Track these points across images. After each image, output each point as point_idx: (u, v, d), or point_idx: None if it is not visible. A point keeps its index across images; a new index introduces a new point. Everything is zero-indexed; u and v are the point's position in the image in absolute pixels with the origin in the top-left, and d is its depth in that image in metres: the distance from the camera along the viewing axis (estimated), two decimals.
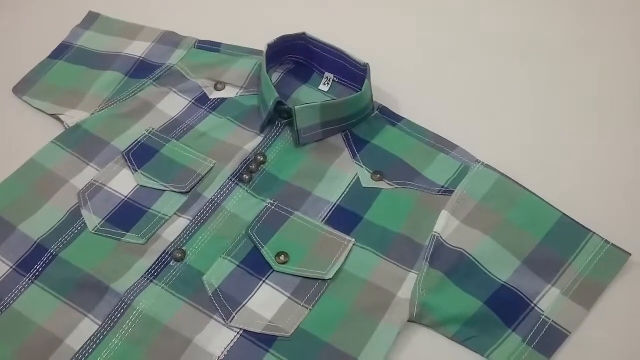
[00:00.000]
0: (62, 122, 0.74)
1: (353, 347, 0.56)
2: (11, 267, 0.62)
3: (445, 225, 0.63)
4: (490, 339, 0.57)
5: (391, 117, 0.73)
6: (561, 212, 0.64)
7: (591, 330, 0.57)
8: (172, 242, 0.63)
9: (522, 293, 0.59)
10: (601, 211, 0.65)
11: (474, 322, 0.57)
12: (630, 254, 0.61)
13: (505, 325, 0.57)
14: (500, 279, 0.60)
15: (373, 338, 0.57)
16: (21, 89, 0.77)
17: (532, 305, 0.58)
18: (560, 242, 0.62)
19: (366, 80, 0.71)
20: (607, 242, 0.62)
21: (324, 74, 0.76)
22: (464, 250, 0.61)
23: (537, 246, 0.62)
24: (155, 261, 0.62)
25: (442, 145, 0.70)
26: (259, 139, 0.71)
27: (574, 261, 0.61)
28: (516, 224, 0.63)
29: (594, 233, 0.62)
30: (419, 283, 0.59)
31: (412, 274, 0.60)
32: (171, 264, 0.62)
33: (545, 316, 0.58)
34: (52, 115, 0.75)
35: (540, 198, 0.65)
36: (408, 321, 0.58)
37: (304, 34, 0.75)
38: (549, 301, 0.59)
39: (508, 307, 0.58)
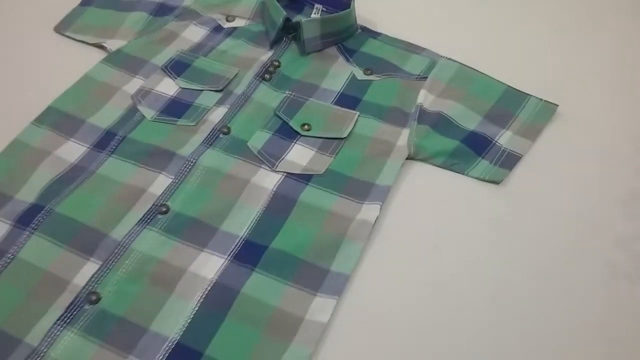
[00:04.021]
0: (104, 48, 0.94)
1: (370, 176, 0.80)
2: (88, 147, 0.81)
3: (425, 98, 0.89)
4: (467, 163, 0.83)
5: (372, 33, 0.99)
6: (507, 84, 0.91)
7: (533, 152, 0.85)
8: (217, 122, 0.85)
9: (486, 135, 0.85)
10: (534, 80, 0.93)
11: (454, 154, 0.83)
12: (557, 105, 0.89)
13: (476, 155, 0.83)
14: (469, 128, 0.86)
15: (384, 170, 0.81)
16: (63, 27, 0.97)
17: (494, 141, 0.85)
18: (508, 103, 0.89)
19: (352, 2, 0.96)
20: (541, 99, 0.90)
21: (313, 5, 1.01)
22: (441, 111, 0.87)
23: (492, 106, 0.89)
24: (207, 135, 0.83)
25: (413, 49, 0.96)
26: (270, 52, 0.94)
27: (519, 114, 0.88)
28: (476, 94, 0.90)
29: (532, 95, 0.90)
30: (411, 134, 0.84)
31: (405, 129, 0.85)
32: (220, 136, 0.83)
33: (504, 147, 0.84)
34: (95, 45, 0.95)
35: (491, 77, 0.92)
36: (407, 158, 0.83)
37: None
38: (505, 138, 0.85)
39: (477, 144, 0.84)
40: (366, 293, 0.71)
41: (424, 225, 0.77)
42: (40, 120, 0.83)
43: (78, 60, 0.92)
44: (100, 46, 0.95)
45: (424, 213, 0.78)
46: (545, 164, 0.84)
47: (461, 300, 0.71)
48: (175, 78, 0.90)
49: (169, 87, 0.89)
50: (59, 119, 0.83)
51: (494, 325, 0.69)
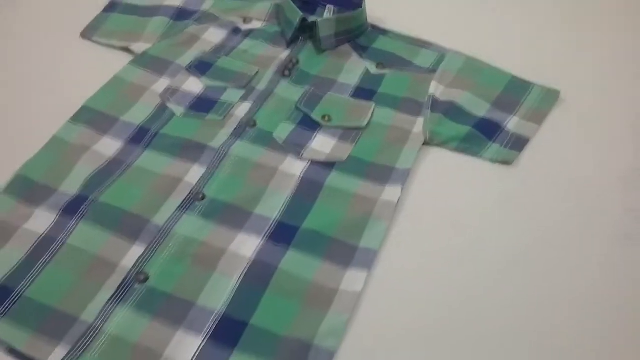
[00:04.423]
0: (131, 51, 1.00)
1: (390, 161, 0.86)
2: (124, 143, 0.87)
3: (436, 89, 0.95)
4: (479, 147, 0.89)
5: (381, 30, 1.05)
6: (512, 74, 0.98)
7: (540, 135, 0.91)
8: (243, 117, 0.91)
9: (495, 121, 0.92)
10: (536, 73, 0.99)
11: (467, 139, 0.89)
12: (559, 91, 0.96)
13: (487, 139, 0.90)
14: (479, 115, 0.92)
15: (402, 155, 0.87)
16: (89, 33, 1.03)
17: (503, 127, 0.91)
18: (514, 91, 0.96)
19: (363, 2, 1.03)
20: (544, 87, 0.97)
21: (325, 6, 1.08)
22: (452, 100, 0.94)
23: (499, 95, 0.95)
24: (235, 128, 0.89)
25: (422, 44, 1.03)
26: (288, 51, 1.01)
27: (525, 101, 0.95)
28: (483, 84, 0.97)
29: (536, 84, 0.97)
30: (426, 121, 0.91)
31: (420, 117, 0.91)
32: (247, 129, 0.89)
33: (513, 131, 0.91)
34: (121, 48, 1.01)
35: (496, 68, 0.99)
36: (423, 144, 0.89)
37: None
38: (513, 124, 0.92)
39: (487, 129, 0.91)
40: (393, 267, 0.77)
41: (442, 204, 0.83)
42: (76, 118, 0.89)
43: (103, 64, 0.99)
44: (126, 49, 1.01)
45: (442, 193, 0.84)
46: (551, 145, 0.90)
47: (479, 271, 0.77)
48: (200, 77, 0.96)
49: (194, 85, 0.95)
50: (93, 117, 0.89)
51: (510, 293, 0.75)
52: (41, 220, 0.77)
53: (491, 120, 0.92)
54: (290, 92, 0.95)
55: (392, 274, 0.76)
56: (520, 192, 0.85)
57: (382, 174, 0.85)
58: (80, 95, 0.92)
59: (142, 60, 0.98)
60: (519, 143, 0.90)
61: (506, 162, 0.88)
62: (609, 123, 0.94)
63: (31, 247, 0.75)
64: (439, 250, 0.79)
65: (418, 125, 0.90)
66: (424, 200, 0.84)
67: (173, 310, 0.70)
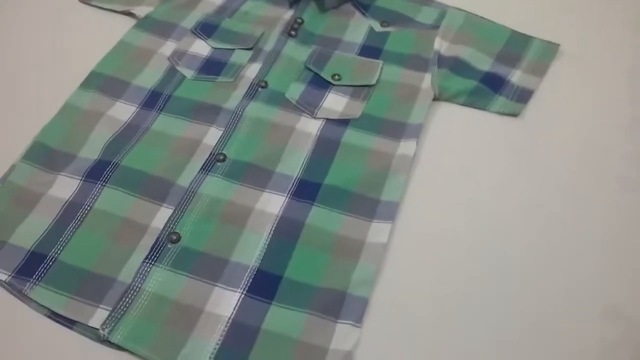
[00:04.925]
0: (133, 15, 1.00)
1: (402, 116, 0.89)
2: (138, 107, 0.88)
3: (440, 45, 0.98)
4: (486, 100, 0.92)
5: None
6: (511, 29, 1.01)
7: (542, 87, 0.96)
8: (254, 78, 0.92)
9: (499, 74, 0.95)
10: (537, 28, 1.03)
11: (474, 93, 0.93)
12: (559, 45, 0.99)
13: (494, 93, 0.93)
14: (483, 69, 0.96)
15: (413, 110, 0.90)
16: None
17: (507, 80, 0.95)
18: (515, 45, 0.99)
19: None
20: (544, 40, 1.00)
21: None
22: (456, 55, 0.96)
23: (501, 49, 0.98)
24: (247, 90, 0.90)
25: (423, 1, 1.05)
26: (291, 11, 1.02)
27: (526, 55, 0.98)
28: (485, 39, 0.99)
29: (536, 37, 1.00)
30: (434, 77, 0.93)
31: (427, 73, 0.94)
32: (259, 90, 0.91)
33: (517, 85, 0.94)
34: (123, 12, 1.00)
35: (496, 23, 1.02)
36: (433, 100, 0.92)
37: None
38: (517, 77, 0.95)
39: (493, 83, 0.94)
40: (415, 217, 0.80)
41: (454, 156, 0.87)
42: (86, 84, 0.89)
43: (104, 28, 0.99)
44: (128, 13, 1.00)
45: (453, 146, 0.88)
46: (554, 96, 0.94)
47: (492, 217, 0.81)
48: (206, 39, 0.96)
49: (202, 48, 0.95)
50: (104, 83, 0.89)
51: (521, 237, 0.80)
52: (65, 186, 0.78)
53: (495, 74, 0.95)
54: (297, 51, 0.96)
55: (413, 225, 0.80)
56: (527, 142, 0.89)
57: (396, 129, 0.88)
58: (82, 60, 0.92)
59: (146, 24, 0.98)
60: (523, 95, 0.93)
61: (513, 114, 0.92)
62: (607, 74, 0.98)
63: (58, 213, 0.76)
64: (455, 201, 0.82)
65: (426, 81, 0.93)
66: (436, 154, 0.87)
67: (208, 267, 0.73)
